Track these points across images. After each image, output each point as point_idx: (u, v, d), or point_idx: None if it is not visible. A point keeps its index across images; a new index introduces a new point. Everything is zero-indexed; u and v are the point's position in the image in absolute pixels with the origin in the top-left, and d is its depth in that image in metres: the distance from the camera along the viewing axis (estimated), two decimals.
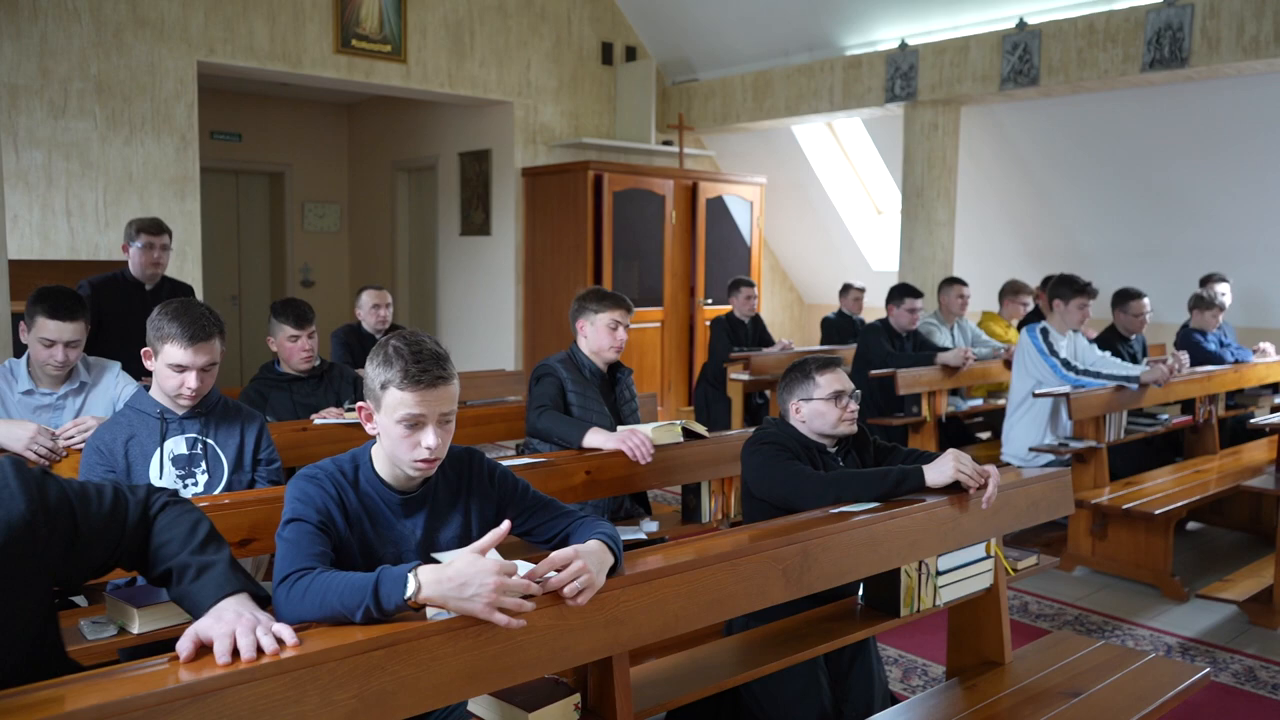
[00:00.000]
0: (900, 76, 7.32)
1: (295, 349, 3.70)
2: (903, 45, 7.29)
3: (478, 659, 1.57)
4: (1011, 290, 6.40)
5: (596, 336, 3.39)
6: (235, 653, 1.39)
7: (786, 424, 2.76)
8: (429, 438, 1.81)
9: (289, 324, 3.68)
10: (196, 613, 1.53)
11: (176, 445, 2.60)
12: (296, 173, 10.06)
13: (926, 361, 5.53)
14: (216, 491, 2.63)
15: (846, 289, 7.48)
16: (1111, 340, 5.42)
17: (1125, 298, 5.38)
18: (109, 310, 4.14)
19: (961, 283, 6.10)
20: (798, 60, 8.08)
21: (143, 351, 2.60)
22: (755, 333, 7.02)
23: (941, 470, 2.47)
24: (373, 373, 1.85)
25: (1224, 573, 4.63)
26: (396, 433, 1.81)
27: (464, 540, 1.95)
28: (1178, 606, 4.23)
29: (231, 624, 1.43)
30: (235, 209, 10.03)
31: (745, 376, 6.29)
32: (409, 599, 1.54)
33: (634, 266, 8.19)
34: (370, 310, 5.25)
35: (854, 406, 2.69)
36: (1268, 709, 3.28)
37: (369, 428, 1.89)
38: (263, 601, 1.59)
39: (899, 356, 5.60)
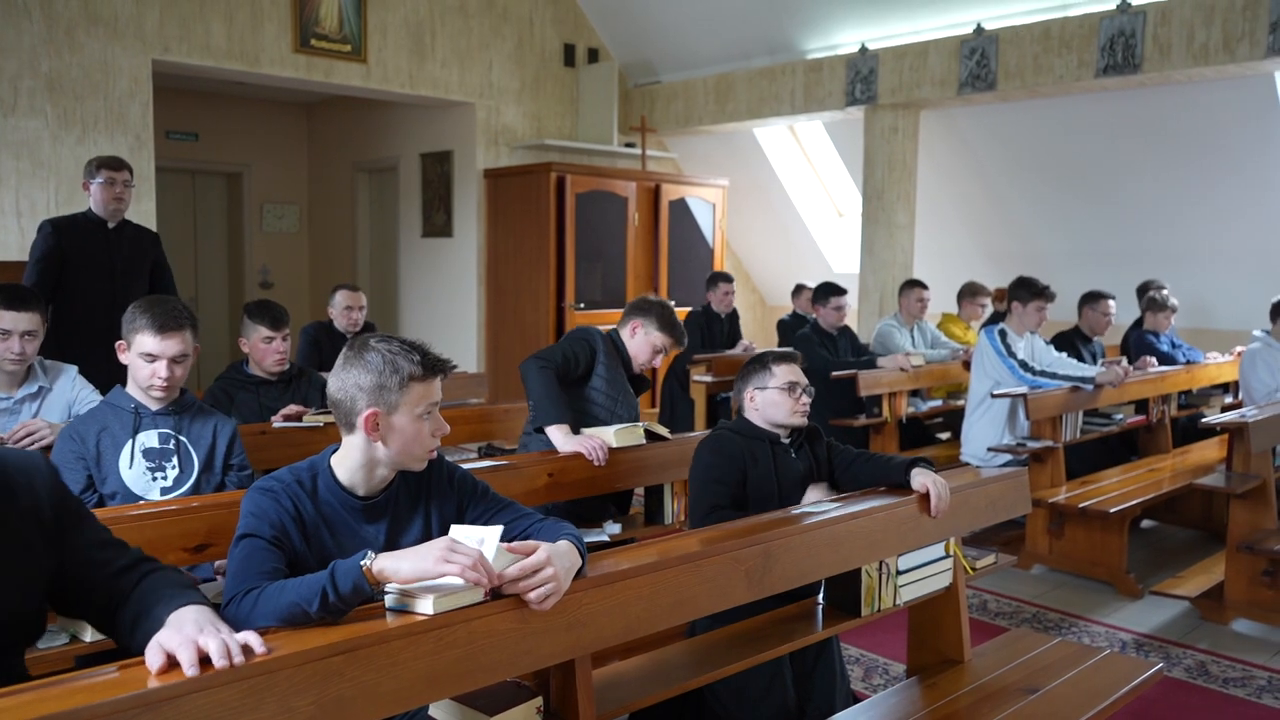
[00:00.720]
0: (860, 80, 7.39)
1: (269, 351, 3.65)
2: (863, 49, 7.35)
3: (438, 663, 1.56)
4: (970, 292, 6.48)
5: (639, 348, 3.43)
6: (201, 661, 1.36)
7: (741, 420, 2.82)
8: (443, 424, 1.88)
9: (264, 325, 3.62)
10: (153, 625, 1.47)
11: (149, 438, 2.60)
12: (255, 173, 9.94)
13: (868, 364, 5.57)
14: (185, 488, 2.61)
15: (799, 289, 7.47)
16: (1073, 340, 5.50)
17: (1095, 297, 5.47)
18: (72, 248, 4.13)
19: (922, 285, 6.16)
20: (759, 63, 8.13)
21: (117, 345, 2.62)
22: (730, 330, 6.98)
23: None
24: (381, 378, 1.81)
25: (1177, 569, 4.73)
26: (418, 427, 1.83)
27: (428, 539, 1.93)
28: (1132, 603, 4.31)
29: (193, 634, 1.39)
30: (192, 210, 9.88)
31: (708, 378, 6.31)
32: (365, 565, 1.55)
33: (597, 268, 8.19)
34: (343, 311, 5.19)
35: (806, 400, 2.78)
36: (1219, 703, 3.34)
37: (373, 436, 1.82)
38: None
39: (837, 362, 5.61)
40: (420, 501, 1.95)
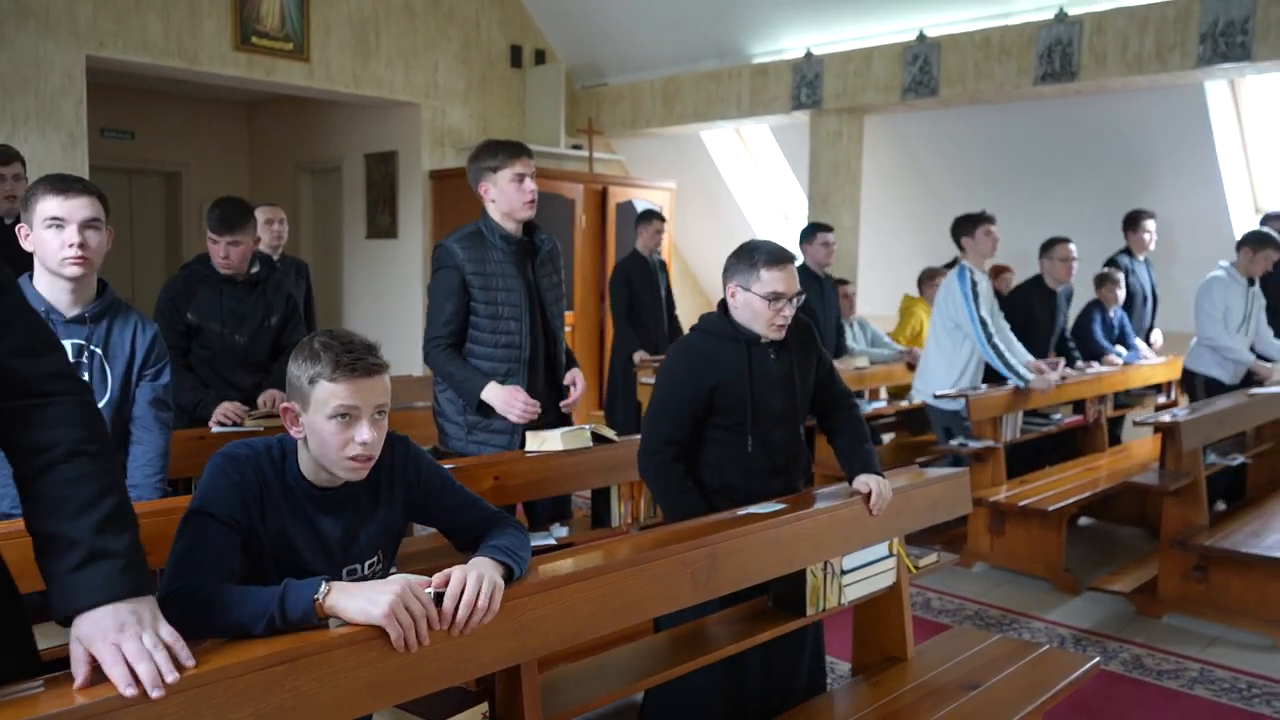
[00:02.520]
0: (806, 85, 7.46)
1: (214, 253, 3.49)
2: (808, 54, 7.42)
3: (381, 671, 1.53)
4: (928, 276, 6.52)
5: (504, 197, 3.12)
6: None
7: (717, 317, 2.67)
8: (363, 432, 1.71)
9: (209, 227, 3.46)
10: (66, 609, 1.31)
11: None
12: (194, 173, 9.74)
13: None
14: (100, 406, 2.46)
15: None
16: (1032, 295, 5.50)
17: (1051, 244, 5.51)
18: None
19: (845, 282, 6.27)
20: (706, 66, 8.17)
21: (17, 230, 2.39)
22: (663, 274, 6.55)
23: None
24: (298, 370, 1.74)
25: (1114, 565, 4.84)
26: (328, 430, 1.71)
27: (385, 539, 1.90)
28: (1071, 599, 4.40)
29: (116, 645, 1.28)
30: (129, 209, 9.65)
31: (653, 381, 6.29)
32: (317, 599, 1.51)
33: None
34: (263, 226, 5.08)
35: (788, 312, 2.57)
36: (1153, 695, 3.43)
37: (295, 432, 1.77)
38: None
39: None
40: (383, 492, 1.88)
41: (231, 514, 1.69)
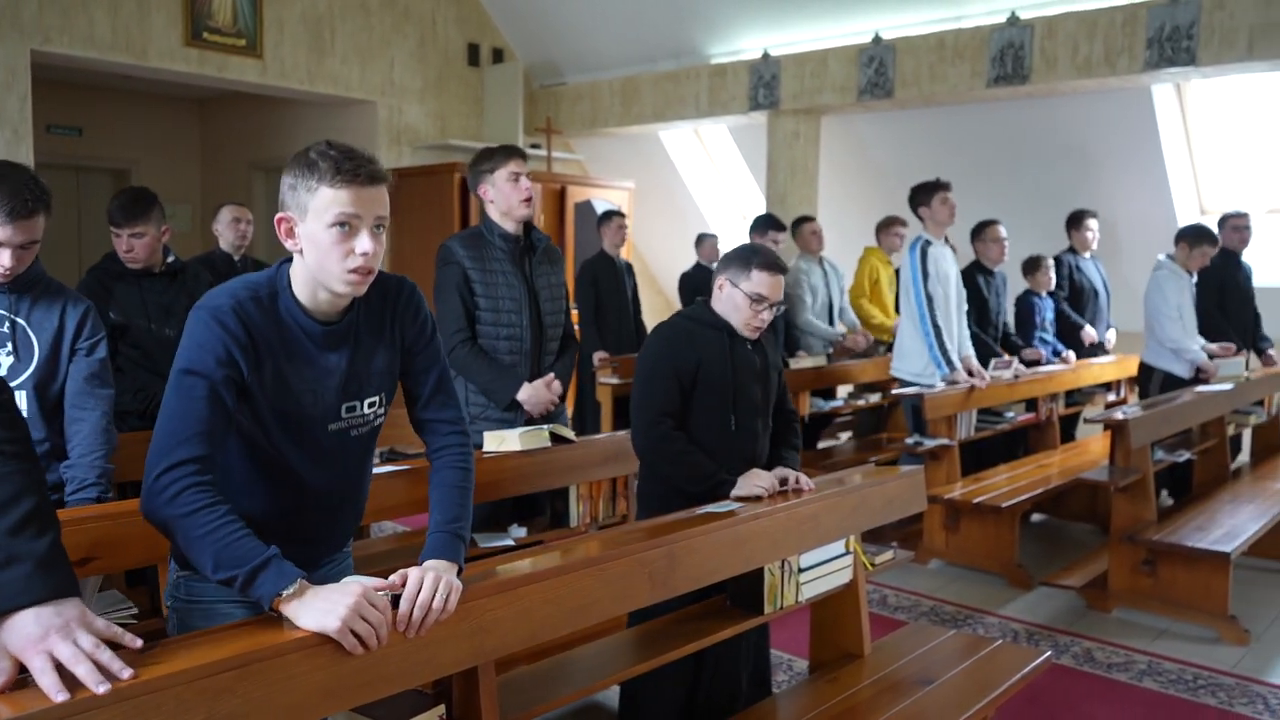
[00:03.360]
0: (763, 85, 7.50)
1: (116, 245, 3.38)
2: (765, 55, 7.46)
3: (335, 675, 1.51)
4: (886, 224, 6.51)
5: (502, 196, 3.24)
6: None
7: (701, 306, 2.76)
8: (364, 242, 1.64)
9: (110, 219, 3.34)
10: None
11: None
12: (144, 170, 9.55)
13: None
14: (23, 377, 2.37)
15: (702, 238, 7.20)
16: (974, 274, 5.58)
17: (981, 227, 5.60)
18: None
19: (810, 219, 6.43)
20: (665, 67, 8.18)
21: None
22: (630, 275, 6.56)
23: (744, 486, 2.57)
24: (294, 178, 1.66)
25: (1065, 561, 4.92)
26: (327, 240, 1.63)
27: (387, 378, 1.84)
28: (1024, 594, 4.47)
29: (47, 651, 1.25)
30: (76, 208, 9.44)
31: (614, 380, 6.30)
32: (278, 596, 1.50)
33: None
34: (229, 225, 5.03)
35: (766, 317, 2.69)
36: (1104, 687, 3.49)
37: (290, 244, 1.70)
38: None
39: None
40: (385, 326, 1.83)
41: (223, 371, 1.63)
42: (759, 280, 2.65)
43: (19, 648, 1.25)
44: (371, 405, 1.83)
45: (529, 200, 3.27)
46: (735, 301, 2.68)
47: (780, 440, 2.88)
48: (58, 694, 1.23)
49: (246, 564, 1.51)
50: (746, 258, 2.68)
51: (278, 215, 1.71)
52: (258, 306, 1.68)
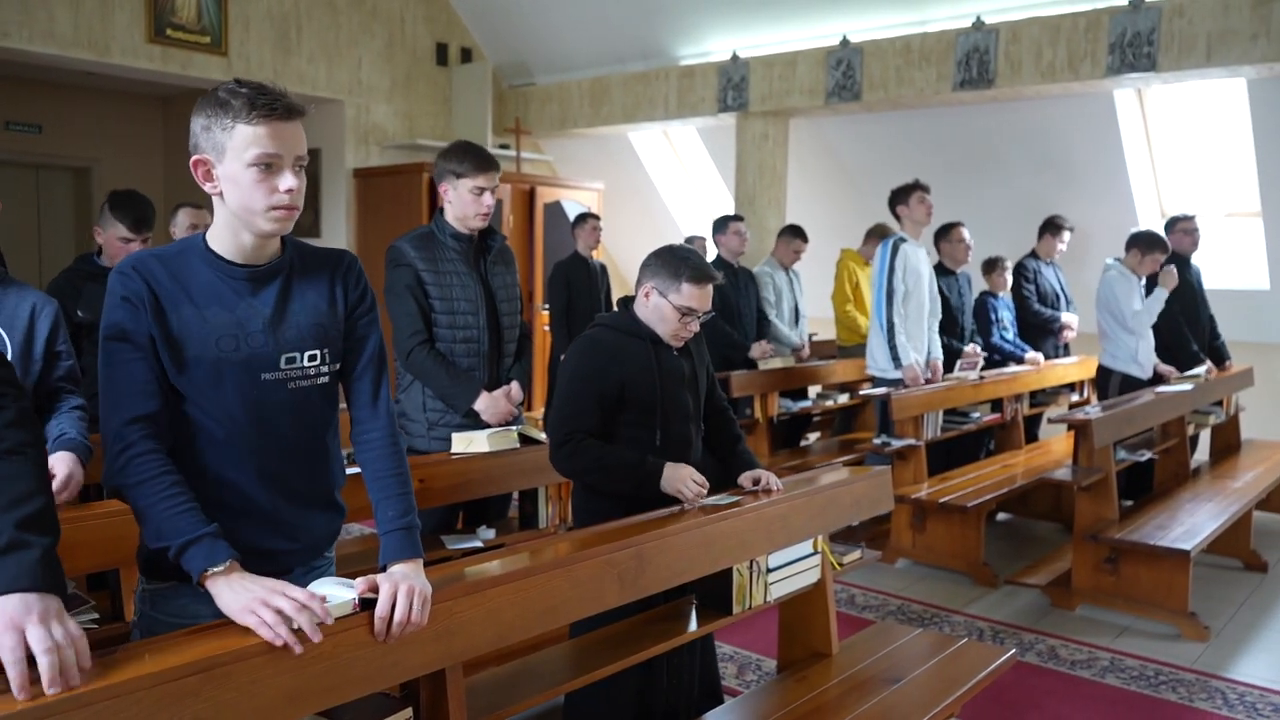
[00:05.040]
0: (732, 87, 7.53)
1: (123, 251, 3.32)
2: (734, 57, 7.49)
3: (301, 679, 1.50)
4: (879, 233, 6.44)
5: (460, 203, 3.17)
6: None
7: (623, 314, 2.67)
8: (287, 179, 1.63)
9: (125, 225, 3.32)
10: None
11: None
12: (105, 168, 9.42)
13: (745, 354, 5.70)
14: None
15: (690, 242, 7.20)
16: (935, 275, 5.63)
17: (947, 229, 5.69)
18: None
19: (802, 238, 6.33)
20: (634, 68, 8.19)
21: None
22: (604, 277, 6.60)
23: (670, 484, 2.50)
24: (205, 120, 1.63)
25: (1030, 559, 4.98)
26: (248, 179, 1.61)
27: (324, 333, 1.77)
28: (989, 593, 4.51)
29: (19, 630, 1.26)
30: (35, 206, 9.29)
31: None
32: (205, 573, 1.53)
33: None
34: (187, 229, 4.95)
35: (694, 328, 2.62)
36: (1067, 684, 3.54)
37: (209, 187, 1.67)
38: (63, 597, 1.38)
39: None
40: (325, 283, 1.80)
41: (134, 325, 1.64)
42: (688, 293, 2.55)
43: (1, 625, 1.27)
44: (313, 360, 1.76)
45: (486, 215, 3.20)
46: (662, 313, 2.58)
47: (728, 438, 2.82)
48: (20, 691, 1.24)
49: (181, 536, 1.55)
50: (675, 268, 2.56)
51: (193, 158, 1.67)
52: (159, 261, 1.68)
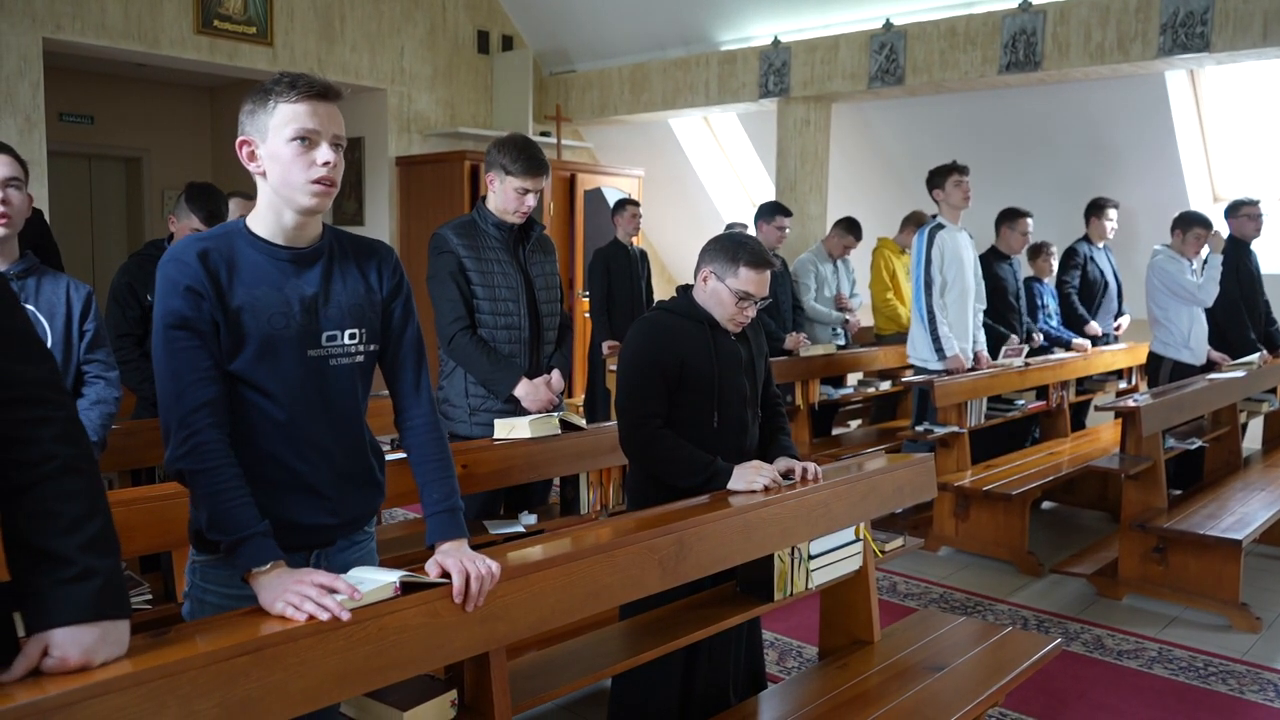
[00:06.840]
0: (774, 73, 7.47)
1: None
2: (776, 42, 7.43)
3: (349, 660, 1.53)
4: (915, 221, 6.42)
5: (503, 197, 3.22)
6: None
7: (683, 299, 2.69)
8: (325, 152, 1.72)
9: (200, 219, 3.42)
10: (46, 622, 1.29)
11: None
12: (155, 158, 9.58)
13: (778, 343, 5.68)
14: None
15: (731, 229, 7.11)
16: (991, 260, 5.59)
17: (1013, 215, 5.63)
18: None
19: (855, 236, 6.37)
20: (674, 54, 8.15)
21: None
22: (644, 264, 6.60)
23: (742, 479, 2.50)
24: (251, 106, 1.75)
25: (1075, 548, 4.92)
26: (289, 153, 1.70)
27: (366, 313, 1.83)
28: (1034, 582, 4.46)
29: (83, 665, 1.30)
30: (89, 195, 9.48)
31: None
32: (253, 571, 1.60)
33: None
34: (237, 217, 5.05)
35: (750, 313, 2.64)
36: (1114, 674, 3.49)
37: (253, 167, 1.76)
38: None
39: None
40: (364, 267, 1.86)
41: (193, 312, 1.68)
42: (745, 278, 2.58)
43: (72, 655, 1.29)
44: (353, 338, 1.82)
45: (525, 215, 3.25)
46: (720, 297, 2.61)
47: (774, 428, 2.83)
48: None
49: (234, 534, 1.62)
50: (733, 252, 2.59)
51: (239, 139, 1.77)
52: (213, 243, 1.74)
